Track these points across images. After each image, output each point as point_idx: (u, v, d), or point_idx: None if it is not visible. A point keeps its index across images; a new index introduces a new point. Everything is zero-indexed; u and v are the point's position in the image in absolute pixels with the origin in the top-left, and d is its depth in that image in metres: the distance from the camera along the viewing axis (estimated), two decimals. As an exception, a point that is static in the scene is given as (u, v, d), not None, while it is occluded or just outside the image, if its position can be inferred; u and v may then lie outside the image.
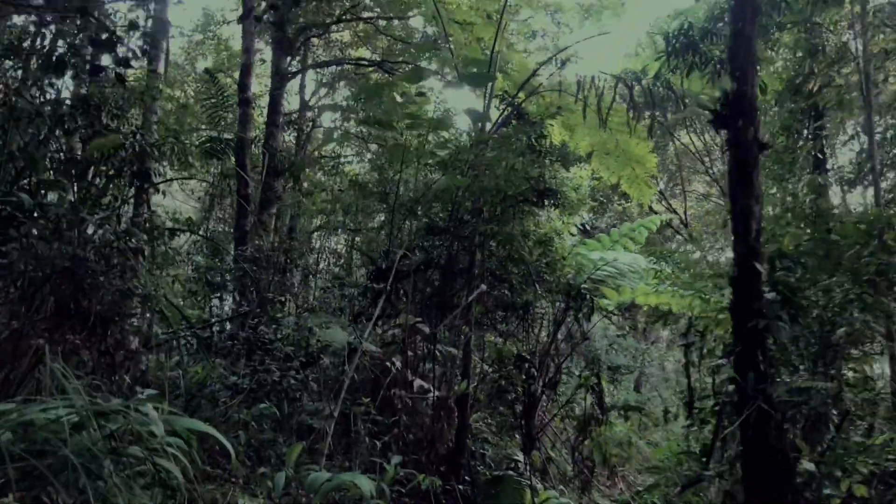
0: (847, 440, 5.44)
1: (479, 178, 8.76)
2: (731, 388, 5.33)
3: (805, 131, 10.67)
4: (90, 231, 5.97)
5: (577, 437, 11.12)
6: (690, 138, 19.26)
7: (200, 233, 13.74)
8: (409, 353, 8.24)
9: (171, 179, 9.64)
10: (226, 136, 11.83)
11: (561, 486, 9.49)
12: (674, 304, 11.71)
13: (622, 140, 9.67)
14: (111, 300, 5.70)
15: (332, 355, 8.31)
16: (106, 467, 3.42)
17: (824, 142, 10.56)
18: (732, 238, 5.19)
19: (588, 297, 9.66)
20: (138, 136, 6.57)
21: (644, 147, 9.64)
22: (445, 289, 10.71)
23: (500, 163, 8.45)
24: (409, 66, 13.32)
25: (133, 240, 5.97)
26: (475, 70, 8.66)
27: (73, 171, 6.23)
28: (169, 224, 13.86)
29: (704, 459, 5.42)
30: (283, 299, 10.38)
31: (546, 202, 10.83)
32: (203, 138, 11.44)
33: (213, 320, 8.71)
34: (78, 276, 5.39)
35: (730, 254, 5.50)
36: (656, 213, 17.68)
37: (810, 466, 5.00)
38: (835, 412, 5.42)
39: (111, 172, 6.53)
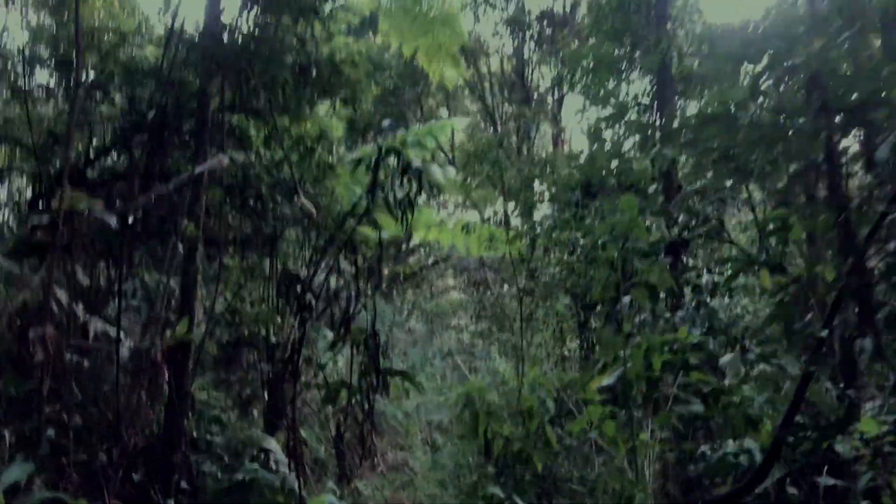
0: None
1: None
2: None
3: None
4: None
5: (341, 410, 8.24)
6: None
7: None
8: (80, 272, 4.61)
9: None
10: None
11: (331, 482, 6.53)
12: (463, 240, 9.41)
13: (426, -7, 6.90)
14: None
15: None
16: None
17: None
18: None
19: (417, 170, 6.65)
20: None
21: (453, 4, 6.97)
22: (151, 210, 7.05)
23: None
24: None
25: None
26: None
27: None
28: None
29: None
30: None
31: (311, 83, 7.71)
32: None
33: None
34: None
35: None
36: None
37: None
38: None
39: None
